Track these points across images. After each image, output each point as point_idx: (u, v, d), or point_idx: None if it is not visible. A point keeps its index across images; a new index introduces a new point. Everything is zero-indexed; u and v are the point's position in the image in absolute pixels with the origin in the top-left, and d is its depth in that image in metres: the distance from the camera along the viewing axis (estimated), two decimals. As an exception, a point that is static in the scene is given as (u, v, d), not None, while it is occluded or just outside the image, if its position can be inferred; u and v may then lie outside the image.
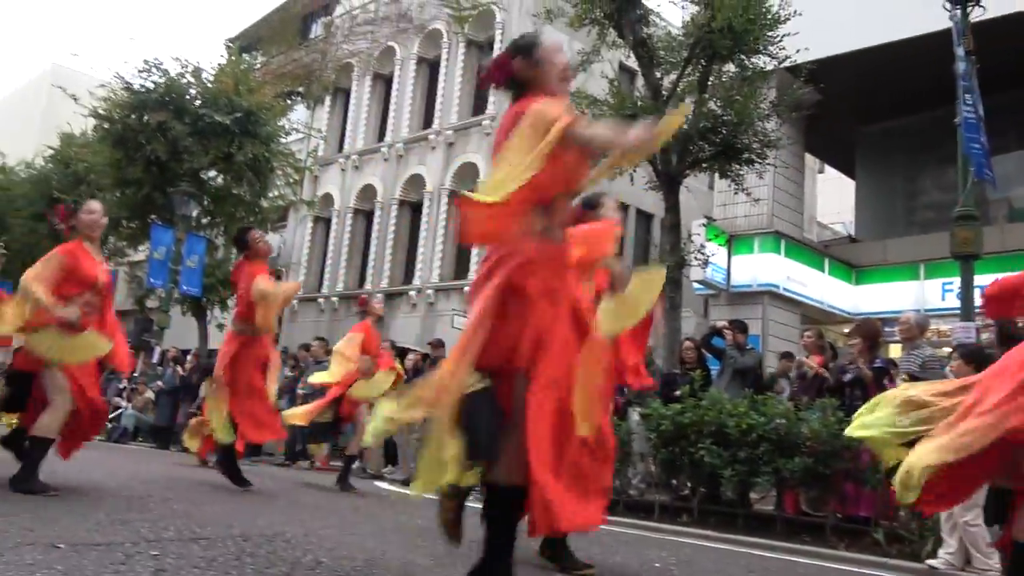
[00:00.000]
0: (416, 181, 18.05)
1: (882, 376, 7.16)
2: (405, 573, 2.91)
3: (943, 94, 10.72)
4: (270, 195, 17.22)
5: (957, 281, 12.01)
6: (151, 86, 15.55)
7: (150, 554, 2.66)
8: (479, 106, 17.19)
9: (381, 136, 19.39)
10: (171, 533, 3.18)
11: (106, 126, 16.13)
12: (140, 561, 2.52)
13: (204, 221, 17.05)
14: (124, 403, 14.15)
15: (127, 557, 2.56)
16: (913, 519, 5.48)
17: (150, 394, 14.08)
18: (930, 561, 4.95)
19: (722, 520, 6.56)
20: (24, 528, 2.92)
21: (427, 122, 18.34)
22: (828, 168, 20.64)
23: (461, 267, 16.57)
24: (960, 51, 6.96)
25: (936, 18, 8.60)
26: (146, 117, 15.17)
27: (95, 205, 4.73)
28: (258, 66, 19.63)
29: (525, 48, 2.57)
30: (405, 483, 9.25)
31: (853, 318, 13.82)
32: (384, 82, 19.78)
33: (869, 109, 15.00)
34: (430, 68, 18.81)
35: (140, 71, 15.54)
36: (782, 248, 13.95)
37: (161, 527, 3.31)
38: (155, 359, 16.05)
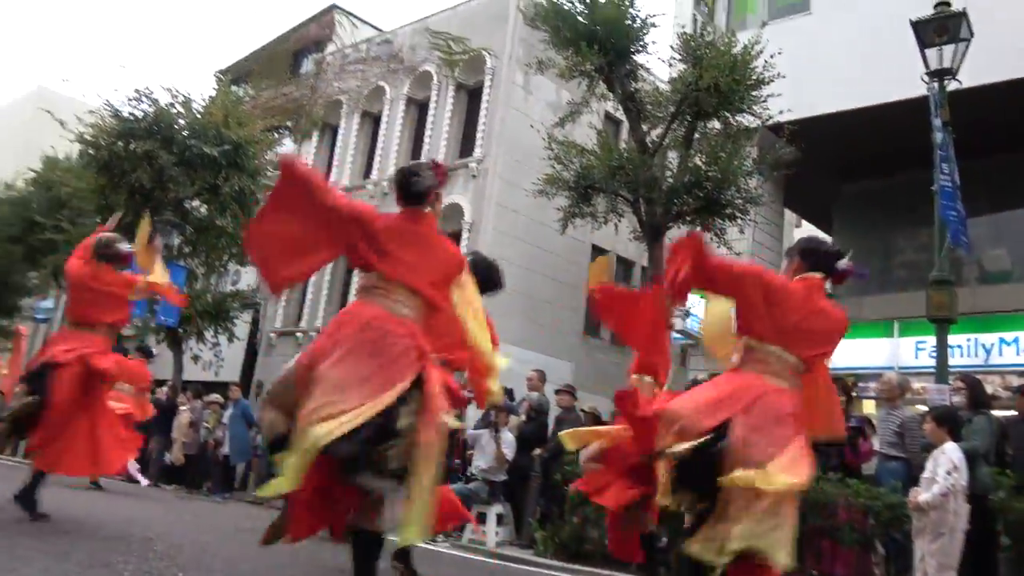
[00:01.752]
0: (400, 219, 18.15)
1: (856, 435, 7.28)
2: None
3: (920, 157, 11.06)
4: (254, 227, 17.18)
5: (931, 340, 12.23)
6: (140, 115, 15.57)
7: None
8: (466, 148, 17.39)
9: (367, 174, 19.51)
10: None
11: (92, 152, 16.09)
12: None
13: (186, 251, 16.97)
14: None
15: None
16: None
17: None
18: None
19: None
20: (3, 570, 2.88)
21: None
22: (805, 223, 21.05)
23: (442, 307, 16.59)
24: (937, 122, 7.23)
25: (914, 85, 8.93)
26: (133, 145, 15.16)
27: None
28: (247, 99, 19.75)
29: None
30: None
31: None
32: (372, 120, 19.96)
33: (848, 168, 15.39)
34: (419, 109, 19.03)
35: (130, 99, 15.58)
36: (760, 301, 14.12)
37: (144, 570, 3.28)
38: (128, 389, 15.80)
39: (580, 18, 10.92)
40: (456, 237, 16.66)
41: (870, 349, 13.98)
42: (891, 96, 11.92)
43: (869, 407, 12.05)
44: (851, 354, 14.42)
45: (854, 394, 11.53)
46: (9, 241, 20.42)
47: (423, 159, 17.85)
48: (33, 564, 3.08)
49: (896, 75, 11.19)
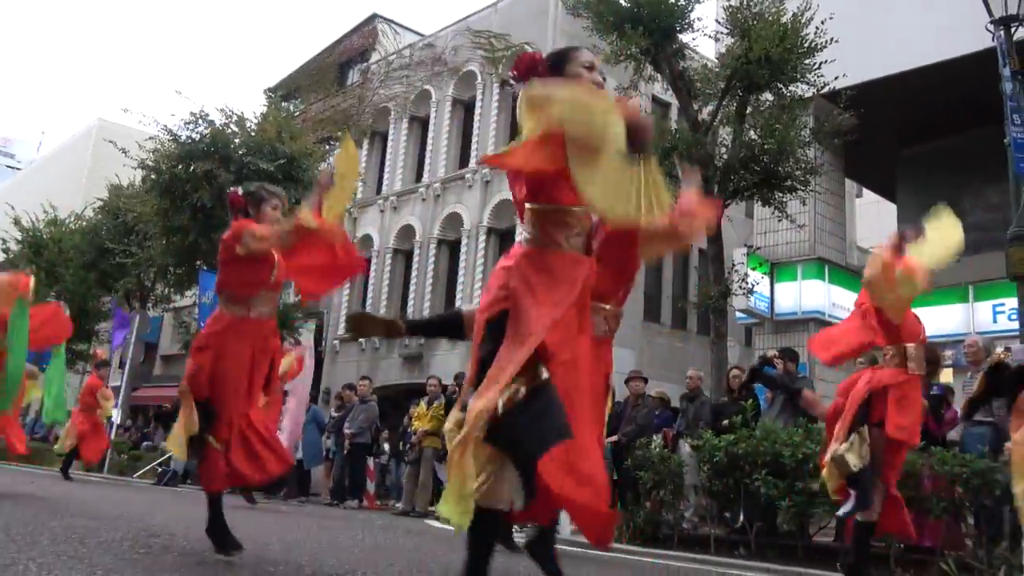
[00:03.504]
0: (454, 219, 18.26)
1: (940, 404, 7.03)
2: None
3: (984, 113, 10.63)
4: (312, 237, 17.53)
5: (1009, 302, 11.77)
6: (197, 137, 16.03)
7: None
8: (515, 144, 17.43)
9: (419, 177, 19.71)
10: (246, 571, 3.24)
11: (153, 177, 16.64)
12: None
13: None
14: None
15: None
16: (982, 547, 5.34)
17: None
18: (1005, 591, 4.81)
19: (781, 552, 6.44)
20: (108, 570, 2.99)
21: (463, 161, 18.61)
22: (866, 192, 20.44)
23: (501, 303, 16.65)
24: (1006, 71, 6.92)
25: (976, 38, 8.58)
26: (193, 166, 15.62)
27: None
28: (298, 113, 20.14)
29: (556, 58, 2.71)
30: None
31: (902, 343, 13.55)
32: (420, 124, 20.16)
33: (909, 131, 14.88)
34: (465, 109, 19.14)
35: (187, 123, 16.04)
36: (826, 274, 13.80)
37: (236, 564, 3.37)
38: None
39: (623, 1, 10.80)
40: (509, 234, 16.71)
41: (944, 316, 13.49)
42: (952, 51, 11.47)
43: (947, 376, 11.62)
44: (925, 321, 13.95)
45: (946, 364, 11.15)
46: (83, 268, 21.25)
47: (472, 158, 17.97)
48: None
49: (956, 28, 10.77)
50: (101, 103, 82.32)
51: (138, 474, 14.09)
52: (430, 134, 19.47)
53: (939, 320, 13.60)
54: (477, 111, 18.35)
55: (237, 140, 16.27)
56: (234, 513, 4.14)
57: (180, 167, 15.90)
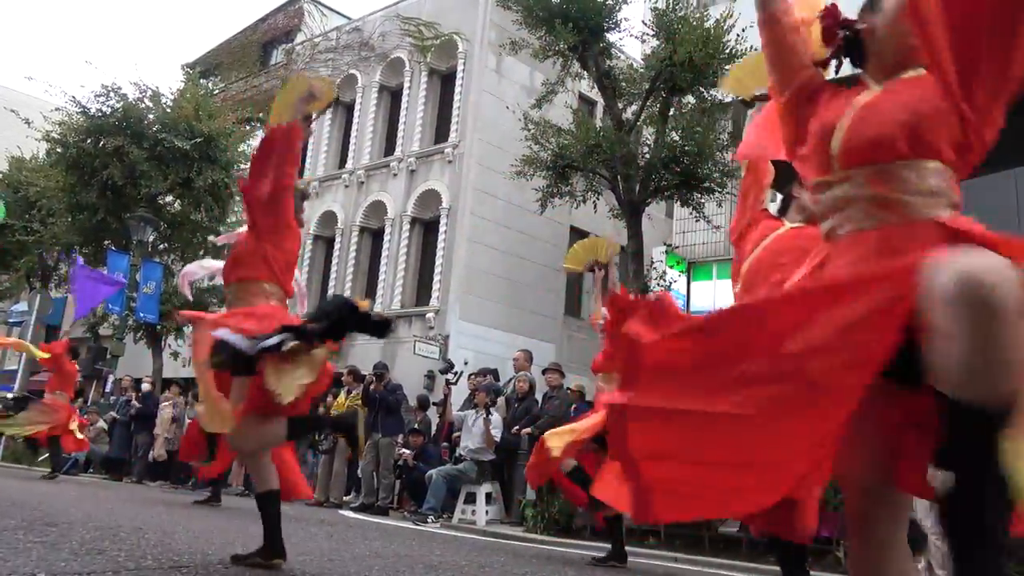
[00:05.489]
0: (377, 208, 18.04)
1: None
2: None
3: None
4: (229, 221, 17.03)
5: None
6: (108, 111, 15.33)
7: (135, 581, 2.62)
8: (441, 134, 17.32)
9: (342, 163, 19.36)
10: (150, 561, 3.13)
11: (59, 150, 15.83)
12: (127, 588, 2.49)
13: (161, 247, 16.78)
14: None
15: (113, 584, 2.52)
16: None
17: (103, 424, 13.72)
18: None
19: (688, 542, 6.65)
20: (-1, 558, 2.85)
21: (389, 149, 18.38)
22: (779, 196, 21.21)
23: (422, 294, 16.56)
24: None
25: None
26: (103, 141, 14.94)
27: None
28: (217, 92, 19.49)
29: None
30: (363, 510, 9.18)
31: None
32: (345, 109, 19.79)
33: (820, 141, 15.51)
34: (392, 96, 18.89)
35: (97, 95, 15.32)
36: (740, 275, 14.25)
37: (139, 555, 3.25)
38: (108, 388, 15.66)
39: (552, -3, 10.89)
40: (434, 224, 16.62)
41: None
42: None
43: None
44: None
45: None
46: (-23, 243, 20.07)
47: (397, 146, 17.80)
48: (32, 554, 3.05)
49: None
50: (4, 69, 77.54)
51: (40, 459, 13.40)
52: (355, 119, 19.15)
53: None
54: (404, 98, 18.16)
55: (151, 116, 15.65)
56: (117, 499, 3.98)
57: (89, 141, 15.20)
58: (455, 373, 10.59)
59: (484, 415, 8.58)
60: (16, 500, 5.50)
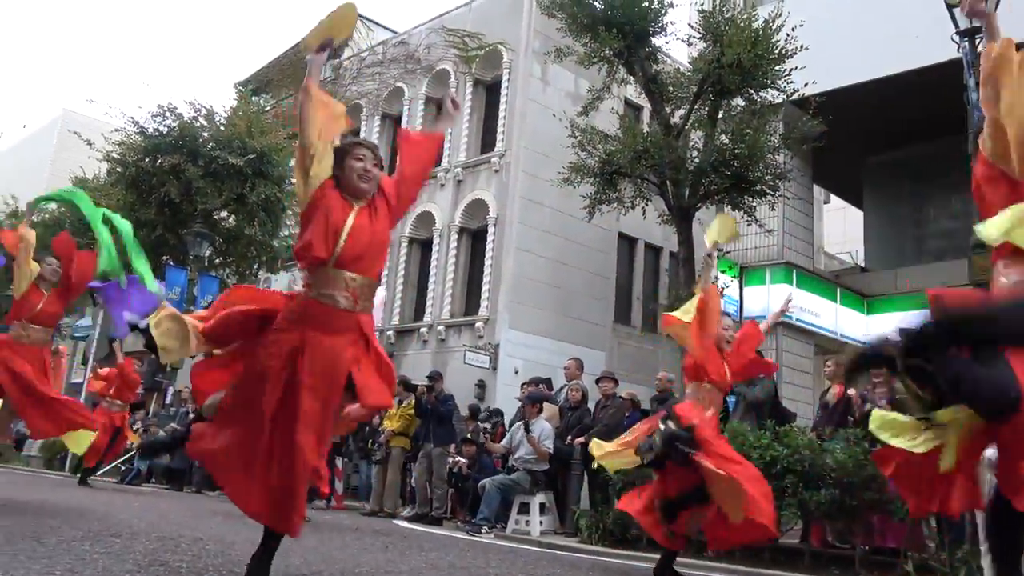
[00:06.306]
0: (426, 219, 18.17)
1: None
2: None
3: (949, 123, 10.83)
4: (281, 235, 17.36)
5: (972, 309, 12.00)
6: (165, 130, 15.78)
7: (197, 593, 2.65)
8: (488, 143, 17.38)
9: (390, 175, 19.56)
10: (211, 572, 3.18)
11: (119, 169, 16.34)
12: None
13: (216, 261, 17.16)
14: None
15: (176, 597, 2.56)
16: (944, 550, 5.42)
17: (163, 435, 14.03)
18: (964, 592, 4.89)
19: (748, 554, 6.48)
20: (67, 570, 2.92)
21: (436, 160, 18.53)
22: (833, 198, 20.76)
23: (472, 303, 16.61)
24: (971, 82, 7.04)
25: (941, 48, 8.72)
26: (160, 160, 15.38)
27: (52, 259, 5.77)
28: (268, 108, 19.91)
29: None
30: (417, 520, 9.19)
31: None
32: (393, 121, 20.02)
33: (876, 139, 15.14)
34: (438, 108, 19.06)
35: (154, 115, 15.78)
36: (794, 278, 13.97)
37: (200, 567, 3.30)
38: (168, 400, 16.05)
39: (597, 3, 10.84)
40: (482, 233, 16.68)
41: (907, 322, 13.73)
42: (918, 62, 11.68)
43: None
44: (890, 326, 14.19)
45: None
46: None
47: (444, 157, 17.92)
48: (97, 565, 3.11)
49: (922, 39, 10.96)
50: (66, 93, 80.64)
51: (101, 472, 13.79)
52: (402, 132, 19.37)
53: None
54: (450, 110, 18.30)
55: (206, 134, 16.05)
56: (202, 511, 4.06)
57: (147, 160, 15.65)
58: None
59: (523, 430, 8.55)
60: (84, 510, 5.65)
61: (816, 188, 17.39)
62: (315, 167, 2.98)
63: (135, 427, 14.32)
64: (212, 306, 3.15)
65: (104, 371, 10.83)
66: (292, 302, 2.98)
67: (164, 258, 16.65)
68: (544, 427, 8.57)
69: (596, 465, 4.90)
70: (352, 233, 2.98)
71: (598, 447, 4.86)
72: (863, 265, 17.33)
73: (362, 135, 20.63)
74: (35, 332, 5.52)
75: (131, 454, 13.67)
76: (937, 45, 9.30)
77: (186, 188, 15.25)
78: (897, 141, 14.80)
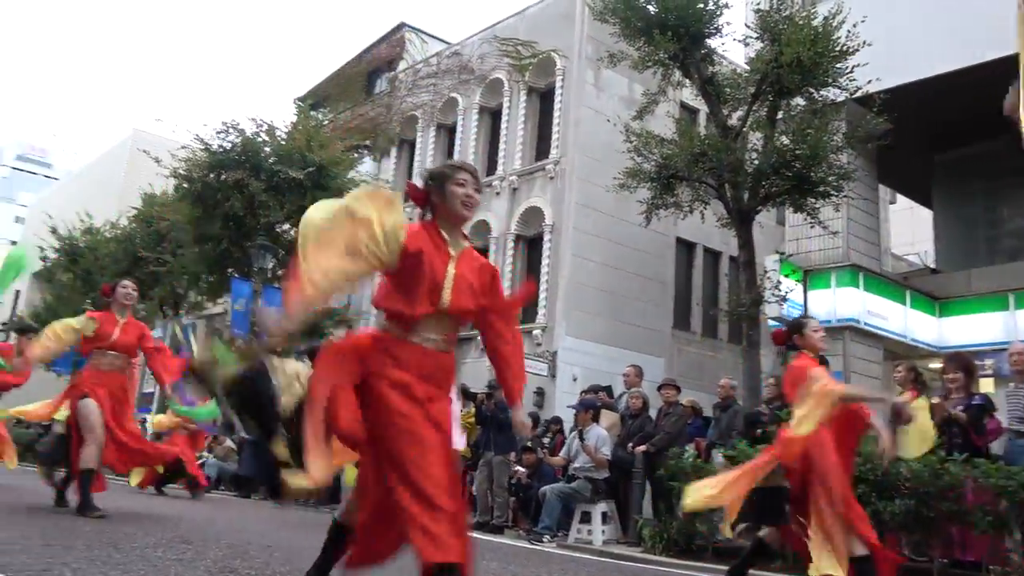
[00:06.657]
0: (482, 227, 18.26)
1: (981, 414, 6.84)
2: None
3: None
4: (341, 246, 17.66)
5: (1053, 310, 11.47)
6: (228, 146, 16.24)
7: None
8: (542, 151, 17.39)
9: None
10: (279, 580, 3.22)
11: (186, 185, 16.89)
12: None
13: (280, 273, 17.55)
14: (205, 452, 14.47)
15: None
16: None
17: (231, 443, 14.39)
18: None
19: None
20: (143, 576, 3.00)
21: (491, 169, 18.61)
22: (900, 198, 20.12)
23: (529, 311, 16.60)
24: (1046, 73, 6.74)
25: (1009, 40, 8.38)
26: (224, 175, 15.83)
27: (127, 282, 6.10)
28: (327, 122, 20.31)
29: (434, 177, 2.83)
30: (478, 528, 9.19)
31: (939, 352, 13.28)
32: (448, 132, 20.21)
33: (943, 136, 14.62)
34: (492, 116, 19.15)
35: (218, 132, 16.26)
36: (860, 281, 13.56)
37: (268, 574, 3.35)
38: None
39: (650, 6, 10.75)
40: (538, 241, 16.67)
41: (984, 324, 13.22)
42: (984, 55, 11.24)
43: (987, 386, 11.37)
44: (963, 330, 13.68)
45: (986, 373, 10.90)
46: (119, 276, 21.59)
47: (499, 165, 17.99)
48: (170, 572, 3.19)
49: (988, 32, 10.56)
50: (137, 113, 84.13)
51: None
52: (457, 141, 19.51)
53: (979, 329, 13.33)
54: (504, 118, 18.37)
55: (267, 149, 16.46)
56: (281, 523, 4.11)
57: (212, 176, 16.12)
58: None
59: (578, 439, 8.48)
60: (159, 518, 5.82)
61: (882, 188, 16.87)
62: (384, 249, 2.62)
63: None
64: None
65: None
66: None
67: (229, 271, 17.11)
68: (599, 434, 8.48)
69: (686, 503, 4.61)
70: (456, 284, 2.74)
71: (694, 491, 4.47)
72: (933, 266, 16.74)
73: (418, 146, 20.87)
74: (114, 359, 5.64)
75: (199, 461, 14.03)
76: (1002, 37, 8.94)
77: (249, 202, 15.66)
78: (966, 138, 14.26)
